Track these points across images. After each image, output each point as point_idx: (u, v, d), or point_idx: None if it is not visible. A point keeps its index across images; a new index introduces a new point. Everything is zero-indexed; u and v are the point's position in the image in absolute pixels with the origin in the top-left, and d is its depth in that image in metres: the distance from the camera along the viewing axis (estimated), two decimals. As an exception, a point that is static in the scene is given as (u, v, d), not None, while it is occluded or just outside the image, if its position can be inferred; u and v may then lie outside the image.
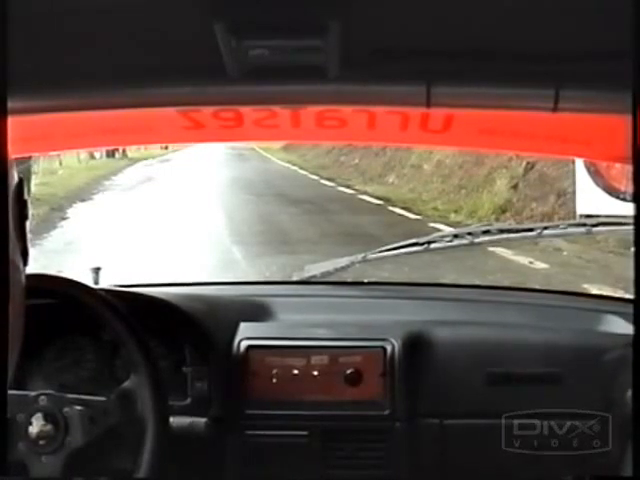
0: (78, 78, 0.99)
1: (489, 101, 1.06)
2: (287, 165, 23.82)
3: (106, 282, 1.99)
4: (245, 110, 1.17)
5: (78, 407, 1.41)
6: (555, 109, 1.01)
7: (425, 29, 0.90)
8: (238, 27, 0.85)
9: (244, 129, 1.23)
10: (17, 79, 0.73)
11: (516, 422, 1.71)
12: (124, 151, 24.85)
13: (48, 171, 17.01)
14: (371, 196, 14.20)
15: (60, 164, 19.16)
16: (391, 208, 12.57)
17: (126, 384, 1.45)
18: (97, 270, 2.01)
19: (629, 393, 0.78)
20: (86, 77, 0.98)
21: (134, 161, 24.29)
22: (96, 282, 1.96)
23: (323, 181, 17.73)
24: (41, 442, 1.38)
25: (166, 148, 32.08)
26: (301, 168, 21.80)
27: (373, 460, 1.72)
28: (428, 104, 1.03)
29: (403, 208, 12.40)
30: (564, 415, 1.70)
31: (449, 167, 14.60)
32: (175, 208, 11.58)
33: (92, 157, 23.23)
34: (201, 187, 15.21)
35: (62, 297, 1.48)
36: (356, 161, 20.31)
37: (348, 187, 16.06)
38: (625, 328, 1.76)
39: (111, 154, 24.24)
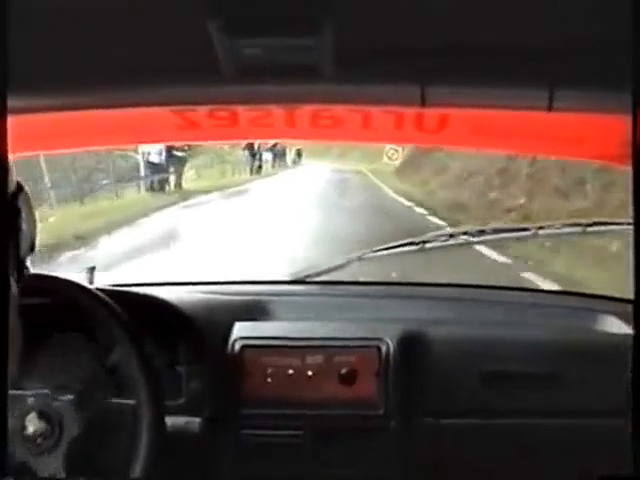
0: (71, 78, 0.98)
1: (484, 101, 1.06)
2: (401, 199, 16.24)
3: (101, 282, 1.98)
4: (240, 109, 1.17)
5: (69, 396, 1.41)
6: (550, 109, 1.01)
7: (419, 29, 0.90)
8: (232, 26, 0.85)
9: (239, 128, 1.23)
10: (13, 79, 0.73)
11: (511, 421, 1.71)
12: (179, 183, 17.67)
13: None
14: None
15: (50, 207, 13.25)
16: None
17: (112, 358, 1.47)
18: (92, 270, 2.00)
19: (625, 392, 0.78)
20: (79, 77, 0.98)
21: (189, 195, 16.37)
22: (91, 282, 1.96)
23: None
24: (39, 440, 1.39)
25: (259, 171, 24.74)
26: (422, 206, 13.99)
27: (368, 459, 1.72)
28: (423, 104, 1.03)
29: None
30: (559, 414, 1.70)
31: None
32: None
33: (152, 190, 16.71)
34: (254, 263, 7.01)
35: (57, 296, 1.48)
36: (521, 201, 11.60)
37: (528, 265, 7.72)
38: (619, 327, 1.76)
39: (158, 187, 17.09)
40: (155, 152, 16.52)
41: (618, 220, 1.95)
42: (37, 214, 1.00)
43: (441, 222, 11.22)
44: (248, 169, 25.43)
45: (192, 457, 1.64)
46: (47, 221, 11.15)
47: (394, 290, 2.22)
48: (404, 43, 0.93)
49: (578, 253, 7.62)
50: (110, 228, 11.30)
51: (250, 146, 23.49)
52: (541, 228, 2.09)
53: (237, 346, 1.73)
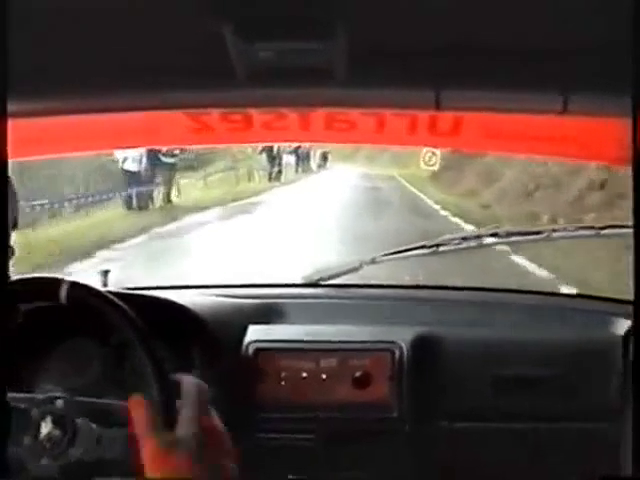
0: (87, 81, 0.99)
1: (498, 104, 1.06)
2: (455, 220, 12.27)
3: (114, 285, 1.99)
4: (254, 113, 1.17)
5: (93, 425, 1.40)
6: (564, 112, 1.01)
7: (434, 32, 0.90)
8: (247, 30, 0.85)
9: (253, 132, 1.23)
10: (34, 81, 0.73)
11: (525, 425, 1.71)
12: (168, 197, 14.02)
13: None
14: None
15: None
16: None
17: (125, 361, 1.47)
18: (106, 273, 2.01)
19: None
20: (95, 80, 0.99)
21: (178, 214, 12.26)
22: (105, 284, 1.96)
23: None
24: (47, 444, 1.38)
25: (278, 177, 20.72)
26: (471, 221, 10.83)
27: (381, 463, 1.72)
28: (437, 107, 1.02)
29: None
30: (573, 417, 1.70)
31: None
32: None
33: (128, 207, 13.11)
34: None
35: (70, 299, 1.48)
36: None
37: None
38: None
39: (139, 203, 13.39)
40: (133, 158, 13.12)
41: (632, 224, 1.94)
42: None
43: (547, 273, 7.38)
44: (267, 175, 21.80)
45: None
46: None
47: (407, 293, 2.22)
48: (418, 46, 0.92)
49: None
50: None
51: (269, 149, 20.39)
52: (555, 231, 2.08)
53: (251, 349, 1.73)
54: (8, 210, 0.74)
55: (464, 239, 2.08)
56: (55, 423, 1.38)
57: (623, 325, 1.78)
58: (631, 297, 0.82)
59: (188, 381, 1.18)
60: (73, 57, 0.95)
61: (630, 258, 0.79)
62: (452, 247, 2.07)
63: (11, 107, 0.73)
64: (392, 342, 1.73)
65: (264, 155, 21.88)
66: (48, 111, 1.06)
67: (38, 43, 0.87)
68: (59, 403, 1.40)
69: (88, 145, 1.39)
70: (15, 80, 0.75)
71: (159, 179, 14.13)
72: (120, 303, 1.46)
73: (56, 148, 1.38)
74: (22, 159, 1.32)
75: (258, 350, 1.73)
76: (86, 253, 8.83)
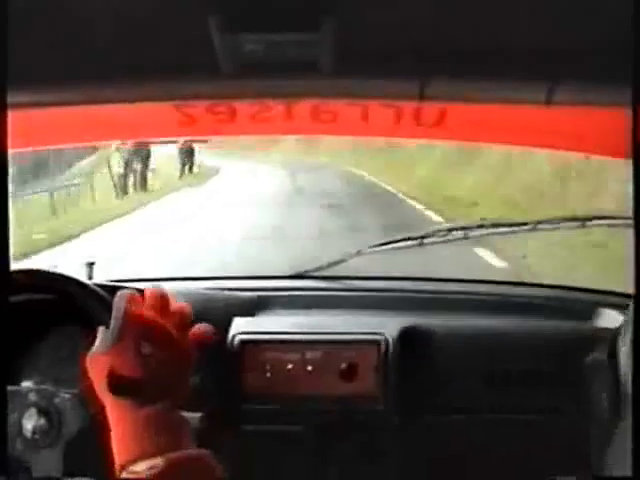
0: (73, 73, 0.98)
1: (483, 95, 1.06)
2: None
3: (99, 277, 1.98)
4: (239, 104, 1.17)
5: (67, 395, 1.40)
6: (549, 103, 1.02)
7: (419, 24, 0.91)
8: (232, 21, 0.85)
9: (238, 123, 1.22)
10: (14, 74, 0.73)
11: (513, 418, 1.71)
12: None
13: None
14: None
15: None
16: None
17: None
18: (91, 265, 2.00)
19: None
20: (78, 72, 0.98)
21: None
22: (90, 277, 1.95)
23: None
24: (37, 437, 1.38)
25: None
26: None
27: (367, 455, 1.73)
28: (422, 98, 1.03)
29: None
30: (563, 411, 1.70)
31: None
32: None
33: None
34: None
35: (55, 292, 1.48)
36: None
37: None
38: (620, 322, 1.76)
39: None
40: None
41: (617, 215, 1.94)
42: None
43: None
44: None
45: None
46: None
47: (394, 285, 2.22)
48: (403, 38, 0.93)
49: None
50: None
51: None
52: (540, 223, 2.08)
53: (236, 341, 1.73)
54: (8, 203, 0.74)
55: (450, 230, 2.08)
56: (40, 414, 1.38)
57: (616, 317, 1.78)
58: (623, 289, 0.83)
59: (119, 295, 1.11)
60: (59, 50, 0.94)
61: (630, 250, 0.79)
62: (438, 239, 2.07)
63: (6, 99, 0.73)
64: (378, 334, 1.73)
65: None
66: (35, 103, 1.06)
67: (22, 36, 0.87)
68: (43, 394, 1.40)
69: (75, 137, 1.39)
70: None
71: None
72: (107, 296, 1.46)
73: (42, 140, 1.37)
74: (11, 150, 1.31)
75: (243, 342, 1.73)
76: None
